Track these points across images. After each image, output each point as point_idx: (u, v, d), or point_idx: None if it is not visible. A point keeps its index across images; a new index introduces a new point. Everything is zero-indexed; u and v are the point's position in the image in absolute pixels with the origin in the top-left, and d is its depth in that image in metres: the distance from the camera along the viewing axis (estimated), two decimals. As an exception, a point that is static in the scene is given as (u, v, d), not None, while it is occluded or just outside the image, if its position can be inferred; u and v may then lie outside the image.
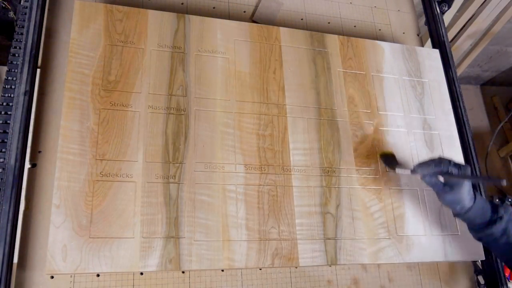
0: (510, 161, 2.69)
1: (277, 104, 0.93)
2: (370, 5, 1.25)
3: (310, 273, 0.91)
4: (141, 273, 0.81)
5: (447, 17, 1.87)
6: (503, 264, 0.98)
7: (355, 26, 1.20)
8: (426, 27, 1.28)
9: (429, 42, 1.28)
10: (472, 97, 2.93)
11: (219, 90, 0.90)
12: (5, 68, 0.85)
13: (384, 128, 1.00)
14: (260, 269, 0.88)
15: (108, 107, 0.82)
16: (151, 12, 0.91)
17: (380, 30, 1.23)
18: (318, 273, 0.92)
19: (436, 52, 1.15)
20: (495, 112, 2.91)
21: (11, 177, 0.76)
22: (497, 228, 0.82)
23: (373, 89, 1.03)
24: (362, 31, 1.20)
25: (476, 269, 1.05)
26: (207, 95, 0.89)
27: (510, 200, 2.17)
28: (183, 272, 0.83)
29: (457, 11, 1.92)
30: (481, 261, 1.02)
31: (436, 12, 1.25)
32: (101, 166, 0.78)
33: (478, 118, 2.86)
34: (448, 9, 1.29)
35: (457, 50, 2.10)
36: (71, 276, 0.78)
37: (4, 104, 0.82)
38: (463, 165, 0.81)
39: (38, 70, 0.88)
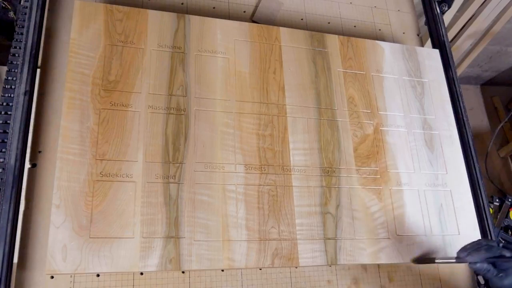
0: (510, 161, 2.69)
1: (277, 104, 0.93)
2: (370, 5, 1.25)
3: (310, 273, 0.91)
4: (141, 273, 0.81)
5: (447, 17, 1.87)
6: None
7: (355, 26, 1.20)
8: (426, 27, 1.28)
9: (429, 42, 1.28)
10: (472, 97, 2.93)
11: (219, 90, 0.90)
12: (5, 68, 0.85)
13: (384, 128, 1.00)
14: (260, 269, 0.88)
15: (108, 107, 0.82)
16: (151, 12, 0.91)
17: (380, 30, 1.23)
18: (318, 273, 0.92)
19: (436, 52, 1.15)
20: (495, 112, 2.91)
21: (11, 177, 0.76)
22: None
23: (373, 89, 1.03)
24: (362, 31, 1.20)
25: (476, 269, 1.04)
26: (207, 95, 0.89)
27: (510, 200, 2.17)
28: (183, 272, 0.83)
29: (457, 11, 1.92)
30: (481, 261, 1.02)
31: (436, 12, 1.25)
32: (101, 166, 0.78)
33: (478, 118, 2.86)
34: (448, 9, 1.29)
35: (457, 50, 2.10)
36: (71, 276, 0.78)
37: (4, 104, 0.82)
38: None
39: (38, 70, 0.88)
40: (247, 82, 0.93)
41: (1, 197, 0.74)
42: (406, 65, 1.09)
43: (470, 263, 0.78)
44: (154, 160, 0.81)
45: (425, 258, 0.90)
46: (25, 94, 0.81)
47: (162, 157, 0.82)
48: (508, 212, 2.13)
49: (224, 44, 0.94)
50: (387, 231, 0.90)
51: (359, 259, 0.86)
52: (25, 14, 0.87)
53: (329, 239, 0.86)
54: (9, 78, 0.84)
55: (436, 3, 1.26)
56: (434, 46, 1.22)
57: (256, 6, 1.12)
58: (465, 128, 1.11)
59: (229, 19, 1.06)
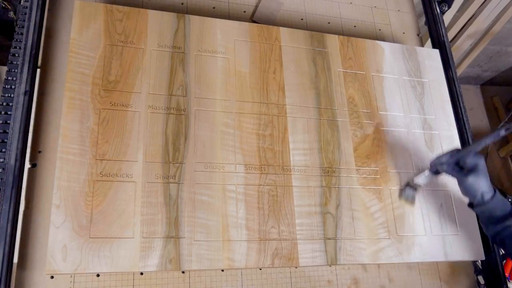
0: (510, 161, 2.69)
1: (277, 104, 0.93)
2: (370, 5, 1.25)
3: (310, 273, 0.91)
4: (141, 273, 0.81)
5: (447, 17, 1.87)
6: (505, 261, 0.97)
7: (355, 26, 1.20)
8: (426, 27, 1.28)
9: (429, 42, 1.28)
10: (472, 97, 2.93)
11: (219, 90, 0.90)
12: (5, 68, 0.85)
13: (384, 128, 1.00)
14: (260, 269, 0.88)
15: (108, 107, 0.82)
16: (151, 12, 0.91)
17: (380, 30, 1.23)
18: (318, 273, 0.92)
19: (436, 52, 1.15)
20: (495, 112, 2.91)
21: (11, 177, 0.76)
22: None
23: (373, 89, 1.03)
24: (362, 31, 1.20)
25: (476, 269, 1.05)
26: (207, 95, 0.89)
27: (510, 200, 2.17)
28: (183, 272, 0.83)
29: (457, 11, 1.92)
30: (481, 261, 1.02)
31: (436, 12, 1.25)
32: (101, 166, 0.78)
33: (478, 118, 2.86)
34: (448, 9, 1.29)
35: (457, 50, 2.10)
36: (71, 276, 0.78)
37: (4, 104, 0.82)
38: (475, 143, 0.82)
39: (38, 70, 0.88)
40: (247, 82, 0.93)
41: (1, 197, 0.74)
42: (406, 65, 1.09)
43: (438, 164, 0.84)
44: (154, 160, 0.81)
45: (406, 186, 0.91)
46: (25, 94, 0.81)
47: (162, 157, 0.82)
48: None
49: (224, 44, 0.94)
50: (387, 231, 0.90)
51: (359, 259, 0.86)
52: (25, 14, 0.87)
53: (329, 239, 0.86)
54: (9, 78, 0.84)
55: (436, 3, 1.26)
56: (434, 46, 1.22)
57: (256, 6, 1.12)
58: (465, 128, 1.11)
59: (229, 19, 1.06)
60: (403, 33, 1.26)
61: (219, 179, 0.83)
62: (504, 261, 1.77)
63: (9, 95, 0.82)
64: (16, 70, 0.84)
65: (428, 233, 0.93)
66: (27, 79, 0.82)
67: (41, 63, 0.89)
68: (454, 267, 1.02)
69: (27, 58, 0.84)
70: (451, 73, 1.15)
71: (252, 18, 1.11)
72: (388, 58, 1.07)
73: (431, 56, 1.13)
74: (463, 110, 1.13)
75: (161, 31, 0.90)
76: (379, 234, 0.90)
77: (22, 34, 0.86)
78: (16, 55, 0.85)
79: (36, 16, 0.87)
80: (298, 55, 0.99)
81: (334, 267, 0.93)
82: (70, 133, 0.78)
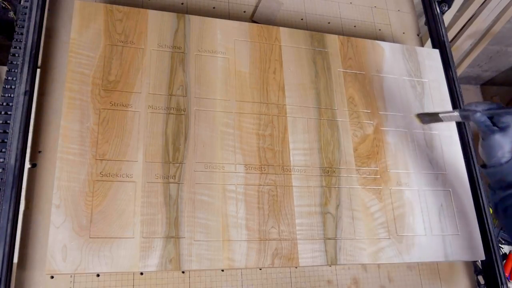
0: (510, 161, 2.68)
1: (277, 104, 0.93)
2: (370, 5, 1.25)
3: (310, 273, 0.91)
4: (141, 273, 0.81)
5: (447, 17, 1.87)
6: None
7: (355, 26, 1.20)
8: (426, 27, 1.28)
9: (429, 42, 1.28)
10: (472, 97, 2.93)
11: (219, 90, 0.90)
12: (5, 68, 0.85)
13: (384, 128, 1.00)
14: (260, 269, 0.88)
15: (108, 107, 0.82)
16: (151, 12, 0.91)
17: (380, 30, 1.23)
18: (318, 273, 0.92)
19: (436, 52, 1.15)
20: (495, 112, 2.90)
21: (11, 177, 0.76)
22: None
23: (373, 89, 1.03)
24: (362, 31, 1.20)
25: (476, 269, 1.05)
26: (207, 95, 0.89)
27: (510, 200, 2.16)
28: (183, 272, 0.83)
29: (457, 11, 1.92)
30: (481, 261, 1.02)
31: (436, 12, 1.25)
32: (101, 166, 0.78)
33: (478, 118, 2.85)
34: (448, 9, 1.29)
35: (457, 50, 2.10)
36: (71, 276, 0.78)
37: (4, 104, 0.82)
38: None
39: (38, 70, 0.88)
40: (247, 82, 0.93)
41: (1, 197, 0.74)
42: (406, 65, 1.09)
43: (472, 110, 0.79)
44: (154, 160, 0.81)
45: (430, 115, 0.93)
46: (25, 94, 0.81)
47: (162, 157, 0.82)
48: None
49: (224, 44, 0.94)
50: (387, 231, 0.90)
51: (359, 259, 0.86)
52: (25, 14, 0.87)
53: (329, 239, 0.86)
54: (9, 78, 0.84)
55: (436, 3, 1.26)
56: (434, 46, 1.22)
57: (256, 6, 1.12)
58: (465, 128, 1.11)
59: (229, 19, 1.06)
60: (403, 33, 1.26)
61: (219, 179, 0.84)
62: (504, 261, 1.77)
63: (9, 95, 0.82)
64: (16, 70, 0.84)
65: (428, 233, 0.93)
66: (27, 79, 0.82)
67: (41, 63, 0.89)
68: (454, 267, 1.02)
69: (27, 58, 0.84)
70: (451, 73, 1.16)
71: (252, 18, 1.11)
72: (388, 58, 1.08)
73: (431, 56, 1.13)
74: (463, 110, 1.13)
75: (161, 31, 0.90)
76: (379, 234, 0.90)
77: (22, 34, 0.86)
78: (16, 55, 0.85)
79: (36, 16, 0.87)
80: (298, 55, 0.99)
81: (334, 267, 0.93)
82: (70, 133, 0.78)
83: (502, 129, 0.78)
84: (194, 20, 0.94)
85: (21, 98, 0.81)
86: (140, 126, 0.82)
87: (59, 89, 0.87)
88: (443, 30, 1.23)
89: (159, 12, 0.92)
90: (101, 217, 0.75)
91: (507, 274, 1.58)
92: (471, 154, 1.09)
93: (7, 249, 0.72)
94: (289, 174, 0.88)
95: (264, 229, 0.83)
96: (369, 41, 1.08)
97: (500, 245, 1.76)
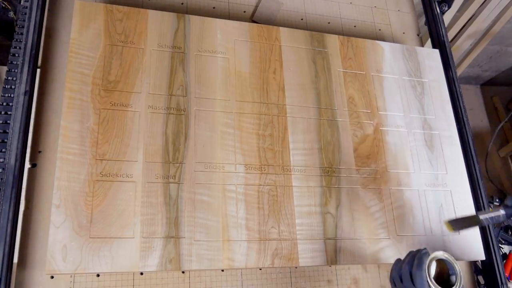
0: (510, 161, 2.69)
1: (277, 104, 0.93)
2: (370, 5, 1.25)
3: (310, 273, 0.91)
4: (141, 273, 0.81)
5: (447, 17, 1.87)
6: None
7: (355, 26, 1.20)
8: (426, 27, 1.28)
9: (429, 42, 1.28)
10: (472, 97, 2.93)
11: (219, 90, 0.90)
12: (5, 68, 0.85)
13: (384, 128, 1.00)
14: (260, 269, 0.88)
15: (108, 107, 0.82)
16: (151, 12, 0.91)
17: (380, 30, 1.23)
18: (318, 273, 0.92)
19: (436, 52, 1.15)
20: (495, 112, 2.90)
21: (11, 177, 0.76)
22: None
23: (373, 89, 1.03)
24: (362, 31, 1.20)
25: (476, 269, 1.05)
26: (207, 95, 0.89)
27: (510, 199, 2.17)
28: (183, 272, 0.83)
29: (457, 11, 1.92)
30: (481, 261, 1.02)
31: (436, 12, 1.25)
32: (101, 166, 0.78)
33: (478, 118, 2.86)
34: (448, 9, 1.29)
35: (457, 50, 2.10)
36: (71, 276, 0.78)
37: (4, 104, 0.82)
38: None
39: (38, 70, 0.88)
40: (247, 82, 0.93)
41: (1, 197, 0.74)
42: (406, 65, 1.09)
43: None
44: (154, 160, 0.81)
45: (465, 220, 0.75)
46: (25, 94, 0.81)
47: (162, 157, 0.82)
48: (508, 212, 2.12)
49: (224, 44, 0.94)
50: (387, 231, 0.90)
51: (359, 259, 0.86)
52: (25, 14, 0.87)
53: (329, 239, 0.86)
54: (9, 78, 0.84)
55: (436, 3, 1.26)
56: (434, 46, 1.22)
57: (256, 6, 1.12)
58: (465, 128, 1.11)
59: (229, 19, 1.06)
60: (403, 33, 1.26)
61: (219, 179, 0.83)
62: (504, 261, 1.77)
63: (9, 95, 0.82)
64: (16, 70, 0.84)
65: (428, 233, 0.93)
66: (27, 79, 0.82)
67: (41, 63, 0.89)
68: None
69: (27, 58, 0.84)
70: (451, 73, 1.16)
71: (252, 18, 1.11)
72: (388, 58, 1.08)
73: (431, 56, 1.13)
74: (463, 110, 1.13)
75: (161, 31, 0.90)
76: (379, 234, 0.90)
77: (22, 34, 0.86)
78: (16, 55, 0.85)
79: (36, 16, 0.87)
80: (298, 55, 0.99)
81: (334, 267, 0.93)
82: (70, 133, 0.78)
83: None
84: (194, 20, 0.94)
85: (21, 98, 0.81)
86: (140, 126, 0.82)
87: (59, 89, 0.87)
88: (443, 30, 1.23)
89: (159, 12, 0.92)
90: (101, 217, 0.75)
91: (507, 274, 1.58)
92: (471, 154, 1.09)
93: (7, 249, 0.72)
94: (289, 174, 0.88)
95: (264, 229, 0.83)
96: (369, 41, 1.08)
97: (500, 245, 1.76)
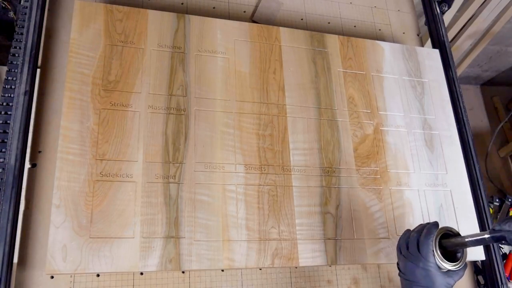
0: (510, 161, 2.69)
1: (277, 104, 0.93)
2: (370, 5, 1.25)
3: (310, 273, 0.91)
4: (141, 273, 0.81)
5: (447, 17, 1.87)
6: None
7: (355, 26, 1.20)
8: (426, 27, 1.28)
9: (429, 42, 1.28)
10: (472, 97, 2.93)
11: (219, 90, 0.90)
12: (5, 68, 0.85)
13: (384, 128, 1.00)
14: (260, 269, 0.88)
15: (108, 107, 0.82)
16: (151, 12, 0.91)
17: (380, 30, 1.23)
18: (318, 273, 0.92)
19: (436, 52, 1.15)
20: (495, 112, 2.90)
21: (11, 177, 0.76)
22: None
23: (373, 89, 1.03)
24: (362, 31, 1.20)
25: (476, 269, 1.05)
26: (207, 95, 0.89)
27: (510, 200, 2.17)
28: (183, 272, 0.83)
29: (457, 11, 1.92)
30: (481, 261, 1.02)
31: (436, 12, 1.25)
32: (101, 166, 0.78)
33: (478, 118, 2.86)
34: (448, 9, 1.29)
35: (457, 50, 2.10)
36: (71, 276, 0.78)
37: (4, 104, 0.82)
38: None
39: (38, 70, 0.88)
40: (247, 82, 0.93)
41: (1, 197, 0.74)
42: (406, 65, 1.09)
43: (508, 232, 0.63)
44: (154, 160, 0.81)
45: (452, 242, 0.72)
46: (25, 94, 0.81)
47: (162, 157, 0.82)
48: (508, 212, 2.12)
49: (224, 44, 0.94)
50: (387, 231, 0.90)
51: (359, 259, 0.86)
52: (25, 14, 0.87)
53: (329, 239, 0.86)
54: (9, 78, 0.84)
55: (436, 3, 1.26)
56: (434, 46, 1.22)
57: (256, 6, 1.12)
58: (465, 128, 1.11)
59: (229, 19, 1.06)
60: (403, 33, 1.26)
61: (219, 179, 0.83)
62: (504, 261, 1.77)
63: (9, 95, 0.82)
64: (16, 70, 0.84)
65: (428, 233, 0.93)
66: (27, 79, 0.82)
67: (41, 63, 0.89)
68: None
69: (27, 58, 0.84)
70: (451, 73, 1.16)
71: (252, 18, 1.11)
72: (388, 58, 1.08)
73: (431, 56, 1.13)
74: (463, 110, 1.13)
75: (161, 31, 0.90)
76: (379, 234, 0.90)
77: (22, 34, 0.86)
78: (16, 55, 0.85)
79: (36, 16, 0.87)
80: (298, 55, 0.99)
81: (334, 267, 0.93)
82: (70, 133, 0.78)
83: None
84: (194, 20, 0.94)
85: (21, 98, 0.81)
86: (140, 126, 0.82)
87: (59, 89, 0.87)
88: (443, 30, 1.23)
89: (159, 12, 0.92)
90: (101, 217, 0.75)
91: (507, 274, 1.58)
92: (471, 154, 1.09)
93: (7, 249, 0.72)
94: (289, 174, 0.88)
95: (264, 229, 0.83)
96: (369, 41, 1.08)
97: (500, 245, 1.76)
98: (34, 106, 0.85)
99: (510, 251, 1.86)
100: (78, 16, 0.85)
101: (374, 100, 1.02)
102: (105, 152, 0.79)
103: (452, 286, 0.70)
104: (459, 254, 0.71)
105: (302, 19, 1.16)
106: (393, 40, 1.23)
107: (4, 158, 0.77)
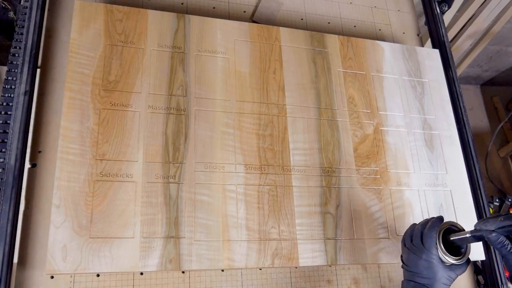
0: (510, 161, 2.69)
1: (277, 104, 0.93)
2: (370, 5, 1.25)
3: (310, 273, 0.91)
4: (141, 273, 0.81)
5: (447, 17, 1.87)
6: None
7: (355, 26, 1.20)
8: (426, 27, 1.28)
9: (429, 42, 1.28)
10: (472, 97, 2.93)
11: (219, 90, 0.90)
12: (5, 68, 0.85)
13: (384, 128, 1.00)
14: (260, 269, 0.88)
15: (108, 107, 0.82)
16: (151, 12, 0.91)
17: (380, 30, 1.23)
18: (318, 273, 0.92)
19: (436, 52, 1.15)
20: (495, 112, 2.91)
21: (11, 177, 0.76)
22: None
23: (373, 89, 1.03)
24: (362, 31, 1.20)
25: (476, 269, 1.05)
26: (207, 95, 0.89)
27: (510, 200, 2.17)
28: (183, 272, 0.83)
29: (457, 11, 1.92)
30: (481, 261, 1.02)
31: (436, 12, 1.25)
32: (101, 166, 0.78)
33: (478, 118, 2.86)
34: (448, 9, 1.29)
35: (457, 50, 2.10)
36: (71, 276, 0.78)
37: (4, 104, 0.82)
38: None
39: (38, 70, 0.88)
40: (247, 82, 0.93)
41: (1, 197, 0.74)
42: (406, 65, 1.09)
43: (485, 231, 0.65)
44: (154, 160, 0.81)
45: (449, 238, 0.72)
46: (25, 94, 0.81)
47: (162, 157, 0.82)
48: (508, 212, 2.13)
49: (224, 44, 0.94)
50: (387, 231, 0.90)
51: (359, 259, 0.86)
52: (25, 14, 0.87)
53: (329, 239, 0.86)
54: (9, 78, 0.84)
55: (436, 3, 1.26)
56: (434, 46, 1.22)
57: (256, 6, 1.12)
58: (465, 128, 1.11)
59: (229, 19, 1.06)
60: (403, 33, 1.26)
61: (219, 179, 0.84)
62: (504, 261, 1.77)
63: (9, 95, 0.82)
64: (16, 70, 0.84)
65: (428, 233, 0.93)
66: (27, 79, 0.82)
67: (41, 63, 0.89)
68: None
69: (27, 58, 0.84)
70: (451, 73, 1.16)
71: (252, 18, 1.11)
72: (388, 58, 1.08)
73: (431, 56, 1.13)
74: (463, 110, 1.13)
75: (161, 31, 0.90)
76: (379, 234, 0.90)
77: (22, 34, 0.86)
78: (16, 55, 0.85)
79: (36, 16, 0.87)
80: (298, 55, 0.99)
81: (334, 267, 0.93)
82: (70, 133, 0.78)
83: None
84: (194, 20, 0.94)
85: (21, 98, 0.81)
86: (140, 126, 0.82)
87: (59, 89, 0.87)
88: (443, 30, 1.23)
89: (159, 12, 0.92)
90: (101, 217, 0.75)
91: (507, 274, 1.58)
92: (471, 154, 1.09)
93: (7, 249, 0.72)
94: (289, 174, 0.88)
95: (264, 229, 0.83)
96: (369, 41, 1.08)
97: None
98: (34, 106, 0.85)
99: (510, 251, 1.86)
100: (78, 16, 0.85)
101: (374, 100, 1.02)
102: (105, 152, 0.79)
103: (453, 280, 0.71)
104: (462, 250, 0.72)
105: (302, 19, 1.16)
106: (393, 40, 1.23)
107: (4, 158, 0.77)
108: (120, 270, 0.73)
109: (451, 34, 2.02)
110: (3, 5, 0.97)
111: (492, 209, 2.14)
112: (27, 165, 0.81)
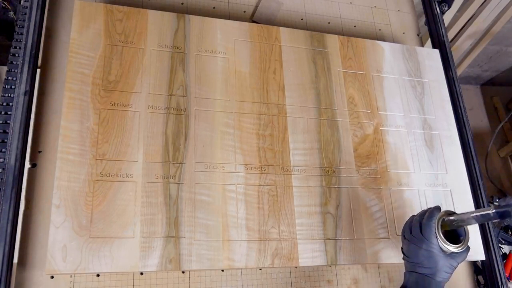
0: (510, 161, 2.69)
1: (277, 104, 0.93)
2: (370, 5, 1.25)
3: (310, 273, 0.91)
4: (141, 273, 0.81)
5: (447, 17, 1.87)
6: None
7: (355, 26, 1.20)
8: (426, 27, 1.28)
9: (429, 42, 1.28)
10: (472, 97, 2.93)
11: (219, 90, 0.90)
12: (5, 68, 0.85)
13: (384, 128, 1.00)
14: (260, 269, 0.88)
15: (108, 107, 0.82)
16: (151, 12, 0.91)
17: (380, 30, 1.23)
18: (318, 273, 0.92)
19: (436, 52, 1.15)
20: (495, 112, 2.91)
21: (11, 177, 0.76)
22: None
23: (373, 89, 1.03)
24: (362, 31, 1.20)
25: (476, 269, 1.05)
26: (207, 95, 0.89)
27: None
28: (183, 272, 0.83)
29: (457, 11, 1.92)
30: (481, 261, 1.02)
31: (436, 12, 1.25)
32: (101, 166, 0.78)
33: (478, 118, 2.86)
34: (448, 9, 1.29)
35: (457, 50, 2.10)
36: (71, 276, 0.78)
37: (4, 104, 0.82)
38: None
39: (38, 70, 0.88)
40: (247, 82, 0.93)
41: (1, 197, 0.74)
42: (406, 65, 1.09)
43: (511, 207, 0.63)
44: (154, 160, 0.81)
45: (456, 220, 0.71)
46: (25, 94, 0.81)
47: (162, 157, 0.82)
48: (508, 212, 2.12)
49: (224, 44, 0.94)
50: (387, 231, 0.90)
51: (359, 259, 0.86)
52: (25, 14, 0.87)
53: (329, 239, 0.86)
54: (9, 78, 0.84)
55: (436, 3, 1.26)
56: (434, 46, 1.22)
57: (256, 6, 1.12)
58: (465, 128, 1.11)
59: (229, 19, 1.06)
60: (403, 33, 1.26)
61: (219, 179, 0.83)
62: (504, 261, 1.77)
63: (9, 95, 0.82)
64: (16, 70, 0.84)
65: (428, 233, 0.93)
66: (27, 79, 0.82)
67: (41, 63, 0.89)
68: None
69: (27, 58, 0.84)
70: (451, 73, 1.16)
71: (252, 18, 1.11)
72: (388, 58, 1.08)
73: (431, 56, 1.13)
74: (463, 110, 1.13)
75: (161, 31, 0.90)
76: (379, 234, 0.90)
77: (22, 34, 0.86)
78: (16, 55, 0.85)
79: (36, 16, 0.87)
80: (298, 55, 0.99)
81: (334, 267, 0.93)
82: (70, 133, 0.78)
83: None
84: (194, 20, 0.94)
85: (21, 98, 0.81)
86: (140, 126, 0.82)
87: (59, 89, 0.87)
88: (443, 30, 1.23)
89: (159, 12, 0.92)
90: (101, 217, 0.75)
91: (507, 274, 1.58)
92: (471, 154, 1.09)
93: (7, 249, 0.72)
94: (289, 174, 0.88)
95: (264, 229, 0.83)
96: (369, 41, 1.08)
97: (500, 245, 1.76)
98: (34, 106, 0.85)
99: (510, 251, 1.86)
100: (78, 16, 0.85)
101: (374, 100, 1.02)
102: (105, 152, 0.79)
103: (455, 268, 0.71)
104: (461, 237, 0.72)
105: (302, 19, 1.16)
106: (393, 40, 1.23)
107: (4, 158, 0.77)
108: (120, 270, 0.73)
109: (451, 34, 2.02)
110: (3, 5, 0.98)
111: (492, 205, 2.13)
112: (27, 165, 0.81)
